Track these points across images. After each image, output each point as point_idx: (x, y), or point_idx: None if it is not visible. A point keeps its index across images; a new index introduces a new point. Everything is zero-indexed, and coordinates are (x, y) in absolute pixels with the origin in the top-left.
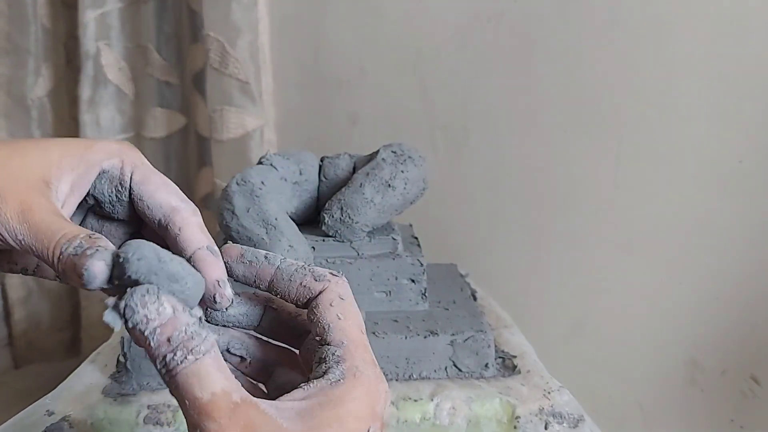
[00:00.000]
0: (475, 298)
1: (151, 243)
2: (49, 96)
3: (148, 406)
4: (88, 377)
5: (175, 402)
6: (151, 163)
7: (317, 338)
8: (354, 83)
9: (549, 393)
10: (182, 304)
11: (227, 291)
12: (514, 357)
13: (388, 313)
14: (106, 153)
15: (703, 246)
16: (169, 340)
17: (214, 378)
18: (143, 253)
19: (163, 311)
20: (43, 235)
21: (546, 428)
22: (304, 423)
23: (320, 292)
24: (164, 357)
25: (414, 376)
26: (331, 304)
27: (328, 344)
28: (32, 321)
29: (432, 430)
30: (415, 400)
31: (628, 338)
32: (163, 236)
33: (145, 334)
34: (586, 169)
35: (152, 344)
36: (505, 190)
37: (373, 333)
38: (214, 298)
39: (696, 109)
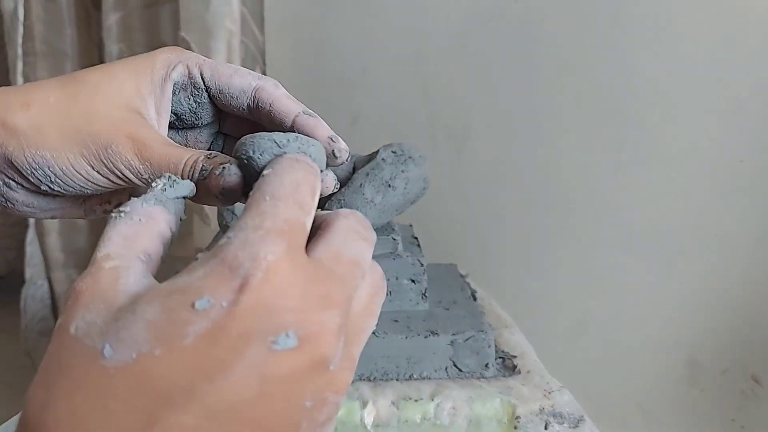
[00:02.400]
0: (475, 298)
1: (261, 133)
2: None
3: None
4: None
5: None
6: None
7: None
8: (355, 83)
9: (549, 393)
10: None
11: (342, 143)
12: (514, 357)
13: (388, 313)
14: (168, 64)
15: (703, 246)
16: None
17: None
18: (261, 146)
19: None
20: (166, 168)
21: (546, 428)
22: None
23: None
24: None
25: (414, 376)
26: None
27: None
28: None
29: (432, 430)
30: (416, 400)
31: (628, 338)
32: (256, 118)
33: None
34: (586, 170)
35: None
36: (505, 190)
37: (374, 333)
38: (333, 153)
39: (696, 109)
